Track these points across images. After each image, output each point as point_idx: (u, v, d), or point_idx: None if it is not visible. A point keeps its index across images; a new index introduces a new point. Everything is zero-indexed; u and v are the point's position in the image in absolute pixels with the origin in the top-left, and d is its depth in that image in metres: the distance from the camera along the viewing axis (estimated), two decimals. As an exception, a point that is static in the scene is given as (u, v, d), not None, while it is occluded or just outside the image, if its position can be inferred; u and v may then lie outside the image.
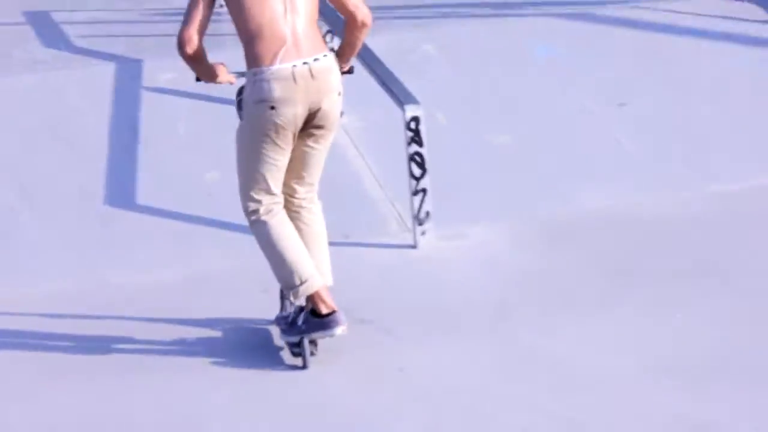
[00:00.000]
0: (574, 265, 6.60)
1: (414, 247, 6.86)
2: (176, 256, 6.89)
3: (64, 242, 6.96)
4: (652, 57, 8.80)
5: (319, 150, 5.67)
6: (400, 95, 6.94)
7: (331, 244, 5.95)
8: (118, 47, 9.20)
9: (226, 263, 6.78)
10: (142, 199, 7.30)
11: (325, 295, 5.61)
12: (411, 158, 6.80)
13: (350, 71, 5.89)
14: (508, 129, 8.05)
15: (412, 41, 9.01)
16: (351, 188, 7.46)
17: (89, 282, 6.66)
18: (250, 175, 5.58)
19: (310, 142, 5.62)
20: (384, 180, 7.50)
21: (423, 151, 6.78)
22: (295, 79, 5.44)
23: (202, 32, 5.48)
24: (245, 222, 5.73)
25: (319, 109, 5.51)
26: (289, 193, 5.70)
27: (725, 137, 7.99)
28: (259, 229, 5.61)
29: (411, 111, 6.78)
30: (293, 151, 5.59)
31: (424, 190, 6.82)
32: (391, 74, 7.17)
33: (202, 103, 8.12)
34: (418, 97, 6.90)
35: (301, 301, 5.65)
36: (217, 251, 6.92)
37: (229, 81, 5.70)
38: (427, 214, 6.84)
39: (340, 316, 5.60)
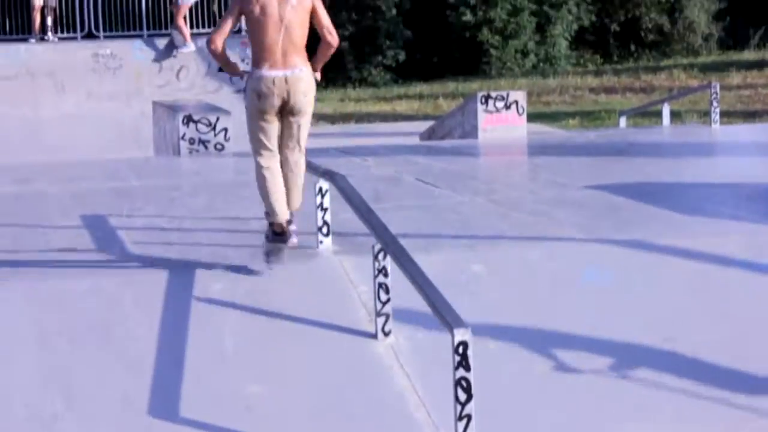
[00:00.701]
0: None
1: (457, 473, 6.73)
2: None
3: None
4: (704, 291, 8.77)
5: (294, 124, 8.67)
6: (449, 318, 6.87)
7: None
8: (172, 255, 9.32)
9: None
10: (185, 411, 7.25)
11: (284, 225, 8.71)
12: (457, 383, 6.71)
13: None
14: (556, 356, 7.99)
15: (463, 262, 9.06)
16: (395, 409, 7.38)
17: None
18: (254, 137, 8.68)
19: (289, 119, 8.66)
20: (428, 402, 7.42)
21: (470, 376, 6.69)
22: (274, 83, 8.51)
23: (225, 37, 8.55)
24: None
25: (288, 101, 8.55)
26: (280, 151, 8.75)
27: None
28: (258, 172, 8.67)
29: (460, 336, 6.69)
30: (280, 123, 8.68)
31: (468, 416, 6.71)
32: (440, 295, 7.12)
33: (251, 315, 8.16)
34: (467, 320, 6.85)
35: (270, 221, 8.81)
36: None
37: (240, 74, 9.12)
38: (471, 440, 6.73)
39: (293, 237, 8.75)
